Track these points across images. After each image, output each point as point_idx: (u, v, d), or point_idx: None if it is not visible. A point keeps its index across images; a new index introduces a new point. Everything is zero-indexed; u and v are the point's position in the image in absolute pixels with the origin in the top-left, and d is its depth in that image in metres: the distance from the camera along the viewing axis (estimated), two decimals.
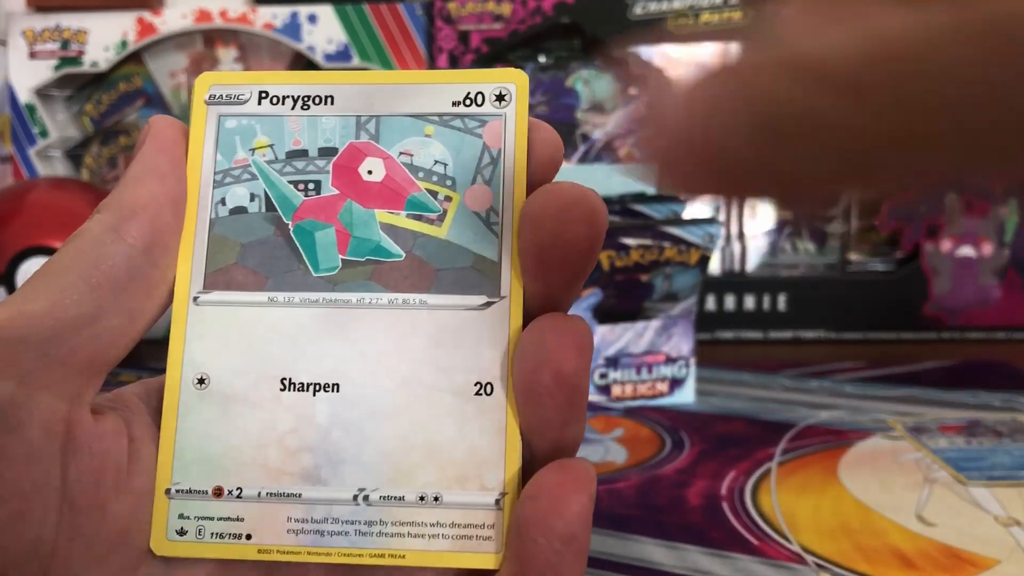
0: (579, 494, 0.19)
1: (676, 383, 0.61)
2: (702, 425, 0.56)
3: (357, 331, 0.21)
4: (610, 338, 0.60)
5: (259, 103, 0.22)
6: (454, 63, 0.82)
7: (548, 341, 0.20)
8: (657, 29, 0.81)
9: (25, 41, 0.85)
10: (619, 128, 0.78)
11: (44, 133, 0.86)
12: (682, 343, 0.61)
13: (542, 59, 0.86)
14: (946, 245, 0.80)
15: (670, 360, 0.61)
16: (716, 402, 0.61)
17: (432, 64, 0.83)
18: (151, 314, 0.21)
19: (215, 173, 0.22)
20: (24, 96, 0.85)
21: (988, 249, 0.79)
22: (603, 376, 0.60)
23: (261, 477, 0.20)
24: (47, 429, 0.19)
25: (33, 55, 0.85)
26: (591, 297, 0.59)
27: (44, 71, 0.85)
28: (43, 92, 0.86)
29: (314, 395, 0.21)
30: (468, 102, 0.22)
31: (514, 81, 0.22)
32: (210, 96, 0.22)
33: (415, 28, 0.83)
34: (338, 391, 0.21)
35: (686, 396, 0.61)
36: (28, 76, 0.85)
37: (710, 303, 0.81)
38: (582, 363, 0.20)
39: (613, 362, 0.60)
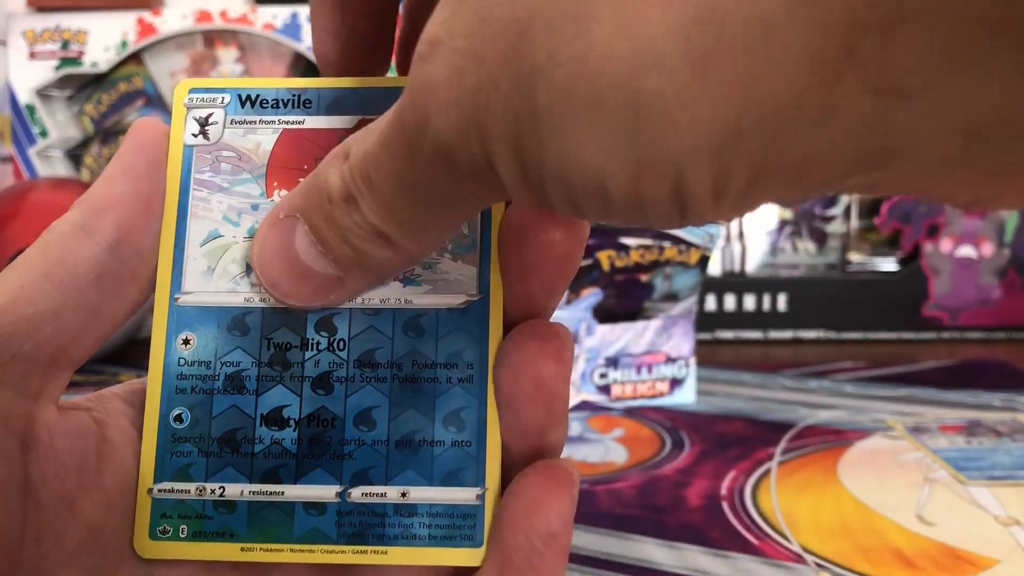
0: (560, 494, 0.19)
1: (676, 383, 0.61)
2: (702, 425, 0.56)
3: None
4: (610, 338, 0.60)
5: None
6: None
7: (528, 348, 0.20)
8: None
9: (25, 41, 0.85)
10: None
11: (44, 133, 0.86)
12: (682, 343, 0.61)
13: None
14: (946, 245, 0.80)
15: (670, 360, 0.61)
16: (716, 402, 0.61)
17: None
18: (120, 312, 0.21)
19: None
20: (24, 96, 0.85)
21: (988, 249, 0.79)
22: (603, 376, 0.60)
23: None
24: (6, 425, 0.19)
25: (33, 55, 0.85)
26: (591, 297, 0.59)
27: (44, 71, 0.85)
28: (43, 92, 0.86)
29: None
30: None
31: None
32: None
33: None
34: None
35: (686, 396, 0.61)
36: (28, 76, 0.85)
37: (710, 303, 0.81)
38: (561, 370, 0.20)
39: (613, 362, 0.60)
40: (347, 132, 0.22)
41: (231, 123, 0.22)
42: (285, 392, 0.21)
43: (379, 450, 0.21)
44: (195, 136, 0.22)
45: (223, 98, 0.22)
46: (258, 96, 0.22)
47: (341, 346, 0.21)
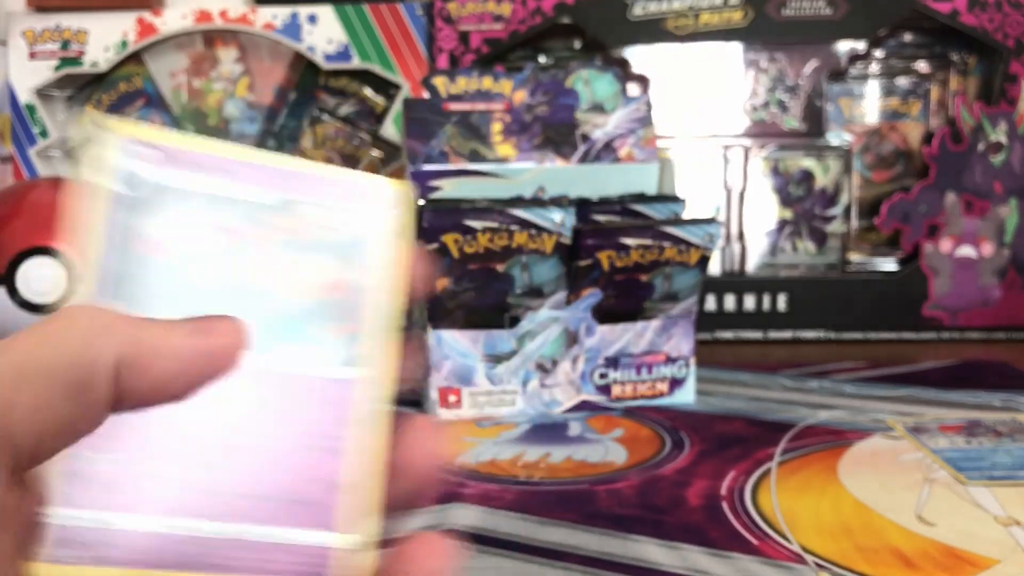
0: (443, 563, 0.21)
1: (676, 383, 0.61)
2: (702, 425, 0.56)
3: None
4: (610, 338, 0.60)
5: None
6: (454, 63, 0.82)
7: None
8: (657, 29, 0.81)
9: (25, 41, 0.85)
10: (619, 128, 0.78)
11: (44, 133, 0.86)
12: (682, 343, 0.61)
13: (542, 59, 0.86)
14: (946, 245, 0.80)
15: (670, 360, 0.61)
16: (716, 402, 0.61)
17: (432, 64, 0.83)
18: None
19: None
20: (24, 96, 0.85)
21: (988, 249, 0.79)
22: (603, 376, 0.60)
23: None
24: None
25: (33, 55, 0.85)
26: (591, 297, 0.59)
27: (44, 71, 0.85)
28: (43, 92, 0.86)
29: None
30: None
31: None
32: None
33: (415, 28, 0.83)
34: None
35: (686, 396, 0.61)
36: (28, 76, 0.85)
37: (710, 303, 0.81)
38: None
39: (613, 362, 0.60)
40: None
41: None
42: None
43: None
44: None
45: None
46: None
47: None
